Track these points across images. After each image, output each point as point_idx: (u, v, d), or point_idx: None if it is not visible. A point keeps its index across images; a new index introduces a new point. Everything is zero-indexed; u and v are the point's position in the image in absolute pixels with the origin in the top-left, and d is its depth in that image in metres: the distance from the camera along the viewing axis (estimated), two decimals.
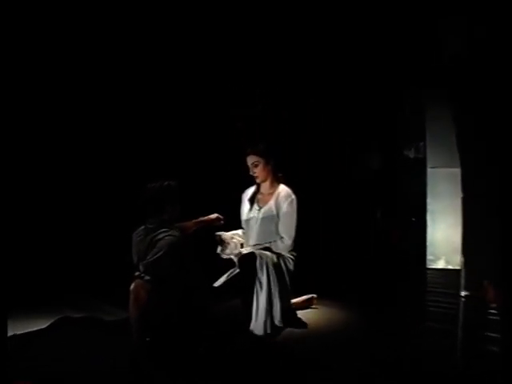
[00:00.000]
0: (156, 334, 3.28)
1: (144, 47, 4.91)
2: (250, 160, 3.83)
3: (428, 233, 5.50)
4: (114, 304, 4.09)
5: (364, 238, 5.42)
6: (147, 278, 3.22)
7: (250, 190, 3.99)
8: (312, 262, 4.72)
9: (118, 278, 3.87)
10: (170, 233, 3.30)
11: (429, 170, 5.50)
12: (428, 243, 5.52)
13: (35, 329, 3.54)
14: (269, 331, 3.55)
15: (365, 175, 5.45)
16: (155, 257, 3.23)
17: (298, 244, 3.96)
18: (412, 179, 5.61)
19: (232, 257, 3.84)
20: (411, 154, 5.72)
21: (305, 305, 4.18)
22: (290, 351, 3.33)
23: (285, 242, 3.81)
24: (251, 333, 3.52)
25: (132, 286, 3.23)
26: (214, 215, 3.67)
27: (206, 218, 3.67)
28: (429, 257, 5.50)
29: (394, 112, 5.25)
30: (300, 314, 4.01)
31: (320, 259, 5.11)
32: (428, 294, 4.42)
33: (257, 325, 3.55)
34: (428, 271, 5.26)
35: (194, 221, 3.66)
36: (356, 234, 5.42)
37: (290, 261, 3.87)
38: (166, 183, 3.43)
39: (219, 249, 3.83)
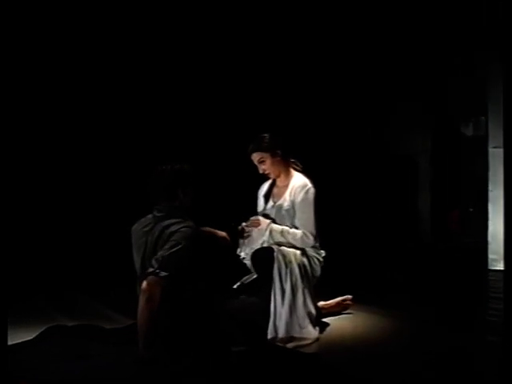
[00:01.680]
0: (165, 340, 3.07)
1: (159, 45, 5.19)
2: (255, 158, 3.70)
3: (489, 226, 5.24)
4: (115, 308, 3.98)
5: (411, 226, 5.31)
6: (163, 274, 2.99)
7: (266, 185, 3.87)
8: (345, 257, 4.65)
9: (119, 277, 3.83)
10: (185, 224, 3.10)
11: (490, 151, 5.23)
12: (490, 239, 5.25)
13: (19, 340, 3.33)
14: (291, 339, 3.39)
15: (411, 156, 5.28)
16: (173, 250, 3.02)
17: (327, 238, 3.77)
18: (470, 161, 5.33)
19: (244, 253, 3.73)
20: (469, 131, 5.41)
21: (338, 309, 3.96)
22: (314, 363, 3.11)
23: (305, 236, 3.63)
24: (270, 341, 3.37)
25: (144, 285, 2.99)
26: (223, 233, 3.42)
27: (212, 230, 3.42)
28: (491, 256, 5.24)
29: (447, 79, 4.96)
30: (331, 319, 3.82)
31: (355, 254, 5.03)
32: (489, 302, 4.22)
33: (277, 332, 3.41)
34: (490, 273, 5.01)
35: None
36: (398, 222, 5.31)
37: (316, 261, 3.68)
38: (177, 166, 3.24)
39: (240, 246, 3.69)
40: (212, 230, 3.40)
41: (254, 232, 3.61)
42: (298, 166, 3.78)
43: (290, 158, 3.76)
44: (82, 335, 3.43)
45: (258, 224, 3.61)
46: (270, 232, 3.58)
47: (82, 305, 4.19)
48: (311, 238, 3.59)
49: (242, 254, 3.71)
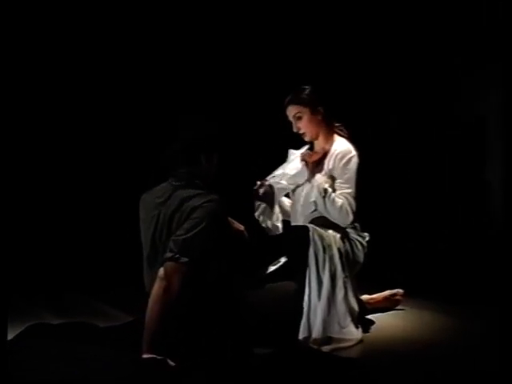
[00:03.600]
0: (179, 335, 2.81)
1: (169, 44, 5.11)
2: (291, 112, 3.38)
3: None
4: (115, 306, 3.86)
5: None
6: (184, 259, 2.73)
7: (301, 151, 3.56)
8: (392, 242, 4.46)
9: (119, 276, 3.85)
10: (209, 197, 2.81)
11: None
12: None
13: (19, 341, 3.15)
14: (328, 340, 3.13)
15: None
16: (196, 230, 2.74)
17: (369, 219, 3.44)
18: None
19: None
20: None
21: (386, 305, 3.72)
22: (356, 370, 2.87)
23: (345, 208, 3.26)
24: (302, 342, 3.12)
25: (161, 272, 2.74)
26: (241, 226, 3.08)
27: (229, 220, 3.06)
28: None
29: None
30: (377, 317, 3.58)
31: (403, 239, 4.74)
32: None
33: (311, 331, 3.14)
34: None
35: None
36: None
37: (359, 246, 3.39)
38: (202, 123, 2.98)
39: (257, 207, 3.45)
40: (230, 219, 3.03)
41: (302, 166, 3.32)
42: (342, 131, 3.44)
43: (334, 121, 3.39)
44: (82, 335, 3.24)
45: (311, 157, 3.30)
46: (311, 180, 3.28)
47: (82, 305, 4.07)
48: (351, 214, 3.25)
49: (261, 218, 3.45)
